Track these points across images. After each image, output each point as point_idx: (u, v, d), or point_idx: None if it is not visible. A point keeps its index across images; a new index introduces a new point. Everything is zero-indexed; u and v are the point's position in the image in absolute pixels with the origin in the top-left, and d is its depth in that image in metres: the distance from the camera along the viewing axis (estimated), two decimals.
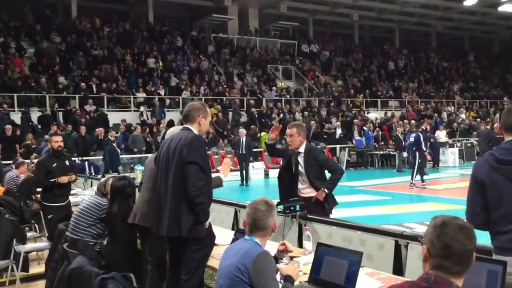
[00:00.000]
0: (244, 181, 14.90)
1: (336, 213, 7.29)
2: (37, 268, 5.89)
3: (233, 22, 27.31)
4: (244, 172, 14.88)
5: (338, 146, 19.00)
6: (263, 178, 16.86)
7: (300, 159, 5.01)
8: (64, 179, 6.24)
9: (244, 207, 5.62)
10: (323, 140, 19.17)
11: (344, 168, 17.87)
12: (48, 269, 4.83)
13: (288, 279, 2.61)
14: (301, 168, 5.01)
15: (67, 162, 6.57)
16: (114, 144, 14.14)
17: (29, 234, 6.36)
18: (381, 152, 18.99)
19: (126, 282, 2.96)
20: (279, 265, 2.77)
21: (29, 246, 5.53)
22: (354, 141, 19.17)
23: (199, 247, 3.48)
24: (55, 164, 6.34)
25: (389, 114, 23.93)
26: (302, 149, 5.05)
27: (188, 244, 3.47)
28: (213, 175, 4.20)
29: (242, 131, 15.14)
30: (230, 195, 11.93)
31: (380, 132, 20.05)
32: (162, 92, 20.27)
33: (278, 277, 2.71)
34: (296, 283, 2.97)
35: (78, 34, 21.75)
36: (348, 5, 28.93)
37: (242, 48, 25.91)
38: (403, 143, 17.74)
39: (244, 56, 25.26)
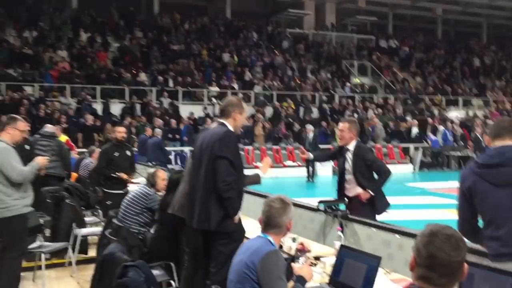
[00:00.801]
0: (310, 177, 14.79)
1: (400, 215, 6.97)
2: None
3: (309, 17, 27.10)
4: (310, 168, 14.77)
5: (411, 145, 18.27)
6: (331, 174, 16.62)
7: (348, 156, 4.91)
8: (123, 176, 6.63)
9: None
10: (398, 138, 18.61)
11: (418, 168, 17.51)
12: (98, 253, 5.09)
13: (300, 279, 2.56)
14: (348, 166, 4.90)
15: (128, 153, 6.93)
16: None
17: (90, 219, 6.73)
18: (459, 154, 18.03)
19: (149, 270, 3.04)
20: (294, 265, 2.72)
21: (86, 230, 5.86)
22: (429, 141, 18.36)
23: (228, 241, 3.51)
24: (117, 154, 6.72)
25: (471, 113, 22.66)
26: (351, 147, 4.94)
27: (217, 238, 3.52)
28: (253, 171, 4.22)
29: (309, 127, 15.02)
30: (296, 191, 11.93)
31: (460, 132, 19.05)
32: (236, 86, 20.57)
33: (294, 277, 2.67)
34: (317, 283, 2.92)
35: (158, 29, 22.63)
36: None
37: (317, 43, 25.64)
38: (483, 144, 16.76)
39: (318, 51, 24.99)
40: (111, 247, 3.48)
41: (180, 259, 4.39)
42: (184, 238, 4.17)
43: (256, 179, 4.05)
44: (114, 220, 4.68)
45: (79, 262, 5.71)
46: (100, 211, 7.65)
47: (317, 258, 3.29)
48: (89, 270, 5.75)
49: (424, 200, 11.81)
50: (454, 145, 18.45)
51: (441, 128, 18.88)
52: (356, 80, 24.17)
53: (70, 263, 5.74)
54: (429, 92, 23.92)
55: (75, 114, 16.36)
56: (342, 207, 4.57)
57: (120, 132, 6.92)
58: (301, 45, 24.86)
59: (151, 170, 5.22)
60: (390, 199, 5.06)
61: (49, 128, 7.19)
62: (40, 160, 4.33)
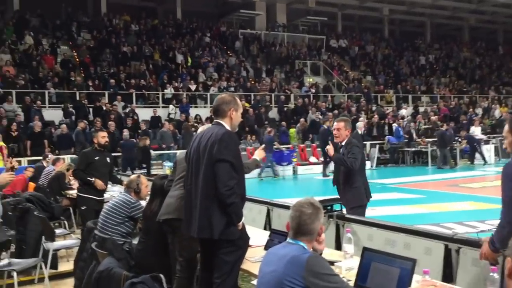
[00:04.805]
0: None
1: (369, 212, 6.97)
2: (66, 266, 5.79)
3: (260, 17, 27.09)
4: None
5: (368, 143, 18.52)
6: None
7: (341, 151, 5.17)
8: (99, 184, 6.35)
9: (276, 205, 5.41)
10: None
11: (375, 165, 17.74)
12: (76, 268, 4.71)
13: None
14: None
15: (108, 159, 6.65)
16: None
17: (58, 231, 6.29)
18: (413, 149, 18.46)
19: (155, 286, 2.77)
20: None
21: (58, 243, 5.43)
22: (387, 138, 18.69)
23: (233, 249, 3.27)
24: (97, 158, 6.48)
25: (421, 109, 23.33)
26: (344, 142, 5.25)
27: (220, 246, 3.27)
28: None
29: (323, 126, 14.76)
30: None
31: (412, 128, 19.49)
32: (193, 87, 20.18)
33: None
34: None
35: (107, 31, 21.87)
36: None
37: (270, 43, 25.65)
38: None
39: (271, 51, 24.99)
40: (105, 262, 3.17)
41: (169, 270, 4.11)
42: (176, 246, 3.89)
43: (256, 163, 4.01)
44: (96, 232, 4.33)
45: (51, 278, 5.28)
46: (65, 222, 7.22)
47: (330, 263, 3.11)
48: (63, 286, 5.36)
49: (386, 196, 11.87)
50: (407, 140, 18.79)
51: (394, 125, 19.26)
52: (310, 79, 24.35)
53: (40, 280, 5.31)
54: (379, 90, 24.44)
55: (24, 120, 15.54)
56: (337, 207, 4.45)
57: (104, 137, 6.66)
58: (253, 46, 24.76)
59: (132, 176, 4.88)
60: None
61: None
62: None
